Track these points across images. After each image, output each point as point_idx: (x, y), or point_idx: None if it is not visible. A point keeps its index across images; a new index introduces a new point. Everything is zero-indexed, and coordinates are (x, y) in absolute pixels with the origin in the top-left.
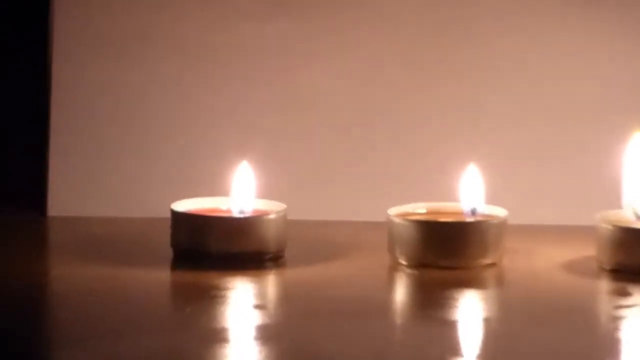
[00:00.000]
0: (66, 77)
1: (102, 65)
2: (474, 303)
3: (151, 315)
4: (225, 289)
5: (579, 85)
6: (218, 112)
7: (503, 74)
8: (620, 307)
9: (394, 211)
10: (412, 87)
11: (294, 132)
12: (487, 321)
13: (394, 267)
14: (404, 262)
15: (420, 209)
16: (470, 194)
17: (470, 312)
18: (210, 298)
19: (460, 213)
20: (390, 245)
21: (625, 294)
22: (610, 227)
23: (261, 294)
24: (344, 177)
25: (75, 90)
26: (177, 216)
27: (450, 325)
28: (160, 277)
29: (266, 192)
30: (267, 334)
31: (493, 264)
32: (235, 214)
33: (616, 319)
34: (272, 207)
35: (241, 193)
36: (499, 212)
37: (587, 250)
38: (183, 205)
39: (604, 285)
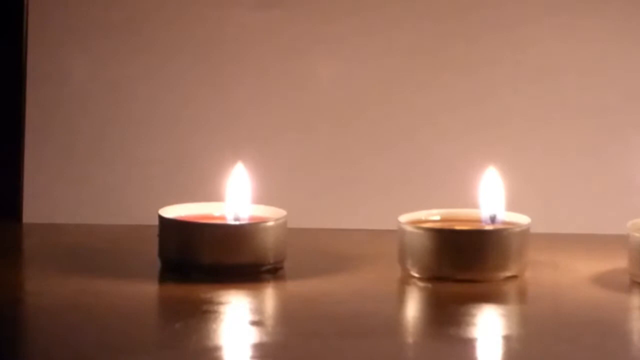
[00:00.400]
0: (42, 77)
1: (81, 63)
2: (494, 320)
3: (137, 333)
4: (219, 303)
5: (611, 81)
6: (210, 109)
7: (526, 70)
8: None
9: (405, 218)
10: (426, 82)
11: (295, 132)
12: (507, 340)
13: (405, 280)
14: (416, 275)
15: (434, 215)
16: (489, 200)
17: (489, 330)
18: (202, 314)
19: (479, 220)
20: (401, 256)
21: None
22: None
23: (258, 310)
24: (349, 180)
25: (52, 90)
26: (165, 223)
27: (468, 344)
28: (146, 290)
29: (264, 197)
30: (264, 354)
31: (514, 277)
32: (230, 220)
33: None
34: (270, 214)
35: (236, 198)
36: (521, 219)
37: (618, 262)
38: (172, 211)
39: (637, 300)
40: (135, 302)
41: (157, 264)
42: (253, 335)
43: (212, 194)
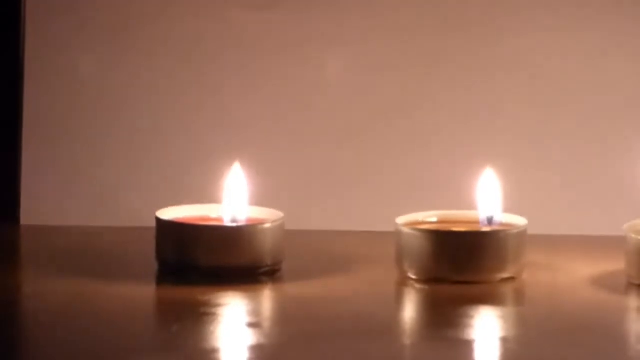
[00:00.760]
0: (39, 79)
1: (79, 66)
2: (491, 321)
3: (134, 335)
4: (216, 305)
5: (609, 84)
6: (207, 110)
7: (523, 73)
8: None
9: (402, 220)
10: (423, 85)
11: (292, 133)
12: (505, 341)
13: (402, 282)
14: (413, 277)
15: (431, 217)
16: (486, 201)
17: (486, 332)
18: (200, 316)
19: (476, 222)
20: (398, 258)
21: None
22: None
23: (256, 312)
24: (347, 182)
25: (50, 92)
26: (162, 225)
27: (465, 346)
28: (144, 292)
29: (261, 199)
30: (262, 356)
31: (512, 279)
32: (227, 222)
33: None
34: (267, 216)
35: (233, 200)
36: (518, 221)
37: (615, 264)
38: (169, 213)
39: (634, 301)
40: (133, 304)
41: (154, 266)
42: (250, 337)
43: (209, 196)
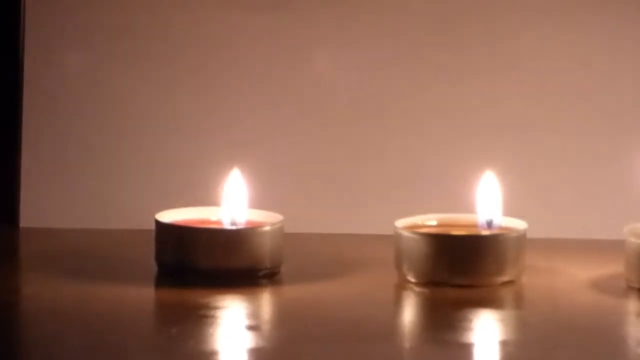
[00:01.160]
0: (39, 79)
1: (78, 68)
2: (490, 325)
3: (133, 337)
4: (215, 308)
5: (607, 87)
6: (206, 113)
7: (524, 74)
8: None
9: (401, 223)
10: (423, 86)
11: (291, 136)
12: (504, 345)
13: (401, 285)
14: (412, 280)
15: (430, 220)
16: (486, 205)
17: (486, 335)
18: (199, 318)
19: (475, 225)
20: (397, 261)
21: None
22: (639, 242)
23: (254, 314)
24: (346, 185)
25: (49, 95)
26: (162, 228)
27: (464, 350)
28: (143, 295)
29: (260, 202)
30: (261, 358)
31: (511, 282)
32: (227, 225)
33: None
34: (266, 219)
35: (233, 203)
36: (518, 224)
37: (614, 267)
38: (169, 216)
39: (633, 305)
40: (132, 307)
41: (153, 268)
42: (249, 340)
43: (208, 199)
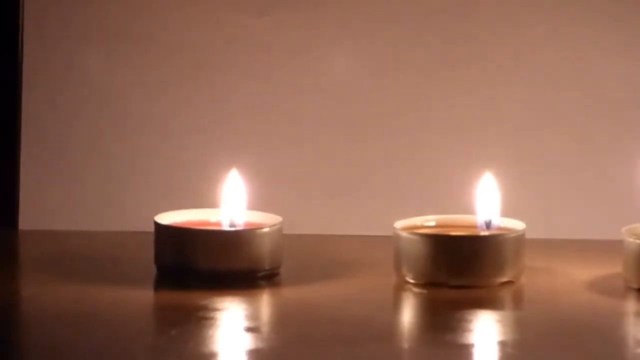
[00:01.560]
0: (37, 83)
1: (77, 68)
2: (489, 325)
3: (132, 339)
4: (215, 310)
5: (605, 88)
6: (205, 114)
7: (522, 77)
8: None
9: (400, 224)
10: (422, 89)
11: (290, 138)
12: (503, 345)
13: (400, 286)
14: (411, 281)
15: (429, 221)
16: (485, 205)
17: (485, 336)
18: (198, 320)
19: (474, 226)
20: (396, 262)
21: None
22: (638, 242)
23: (254, 316)
24: (345, 186)
25: (47, 95)
26: (161, 230)
27: (463, 350)
28: (142, 297)
29: (259, 203)
30: None
31: (510, 283)
32: (226, 227)
33: None
34: (266, 220)
35: (232, 204)
36: (516, 225)
37: (613, 267)
38: (168, 218)
39: (631, 305)
40: (131, 309)
41: (153, 270)
42: (249, 342)
43: (208, 201)
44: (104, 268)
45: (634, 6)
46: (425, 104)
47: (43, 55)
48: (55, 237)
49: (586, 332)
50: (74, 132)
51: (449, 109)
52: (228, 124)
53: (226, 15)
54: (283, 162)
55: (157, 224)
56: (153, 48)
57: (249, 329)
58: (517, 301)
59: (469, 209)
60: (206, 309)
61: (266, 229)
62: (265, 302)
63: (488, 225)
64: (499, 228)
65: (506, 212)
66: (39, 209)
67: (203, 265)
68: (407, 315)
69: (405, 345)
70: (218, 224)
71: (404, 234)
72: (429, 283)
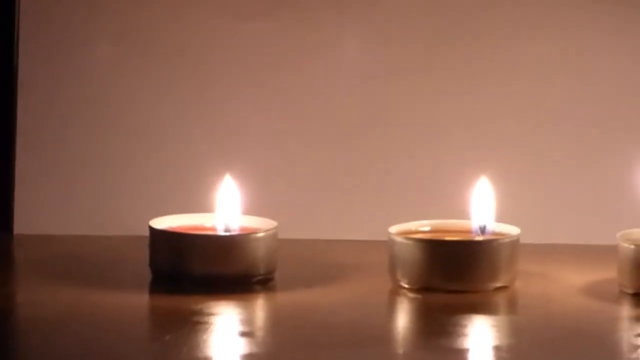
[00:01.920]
0: (33, 85)
1: (73, 71)
2: (484, 330)
3: (127, 344)
4: (209, 314)
5: (601, 93)
6: (200, 119)
7: (518, 81)
8: None
9: (395, 229)
10: (417, 92)
11: (285, 142)
12: (498, 350)
13: (395, 291)
14: (406, 285)
15: (424, 226)
16: (479, 211)
17: (479, 340)
18: (193, 325)
19: (469, 231)
20: (391, 267)
21: None
22: (633, 247)
23: (249, 321)
24: (340, 191)
25: (43, 100)
26: (156, 234)
27: (458, 355)
28: (137, 301)
29: (254, 208)
30: None
31: (505, 288)
32: (221, 231)
33: (639, 349)
34: (261, 225)
35: (227, 209)
36: (511, 230)
37: (608, 272)
38: (163, 223)
39: (626, 310)
40: (126, 313)
41: (147, 274)
42: (243, 346)
43: (202, 205)
44: (98, 272)
45: (631, 9)
46: (420, 108)
47: (39, 58)
48: (50, 242)
49: (580, 337)
50: (70, 136)
51: (444, 113)
52: (223, 129)
53: (220, 20)
54: (278, 166)
55: (152, 229)
56: (150, 52)
57: (244, 334)
58: (512, 306)
59: (464, 214)
60: (201, 313)
61: (261, 234)
62: (260, 306)
63: (483, 230)
64: (494, 233)
65: (501, 217)
66: (34, 213)
67: (198, 269)
68: (402, 320)
69: (400, 350)
70: (213, 228)
71: (399, 238)
72: (424, 288)
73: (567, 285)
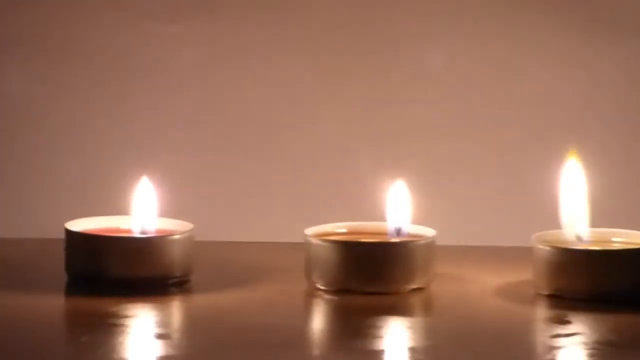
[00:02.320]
0: None
1: None
2: (400, 332)
3: (42, 346)
4: (126, 316)
5: (516, 98)
6: (116, 122)
7: (434, 83)
8: (559, 336)
9: (311, 231)
10: (333, 95)
11: (201, 145)
12: (413, 351)
13: (311, 293)
14: (322, 287)
15: (340, 228)
16: (395, 213)
17: (395, 342)
18: (109, 327)
19: (385, 233)
20: (307, 269)
21: (563, 321)
22: (548, 249)
23: (165, 323)
24: (257, 193)
25: None
26: (72, 236)
27: (374, 357)
28: (53, 304)
29: (171, 211)
30: None
31: (421, 289)
32: (137, 234)
33: (554, 350)
34: (177, 227)
35: (143, 211)
36: (427, 232)
37: (523, 274)
38: (79, 225)
39: (541, 312)
40: (42, 316)
41: (64, 277)
42: (159, 348)
43: (119, 208)
44: (14, 275)
45: (546, 14)
46: (336, 111)
47: None
48: None
49: (496, 338)
50: None
51: (360, 115)
52: (139, 132)
53: (138, 24)
54: (194, 169)
55: (68, 231)
56: (67, 57)
57: (160, 336)
58: (428, 308)
59: (380, 216)
60: (117, 315)
61: (177, 236)
62: (176, 308)
63: (399, 232)
64: (410, 235)
65: (417, 219)
66: None
67: (114, 272)
68: (318, 321)
69: (316, 351)
70: (129, 231)
71: (315, 240)
72: (340, 290)
73: (483, 287)
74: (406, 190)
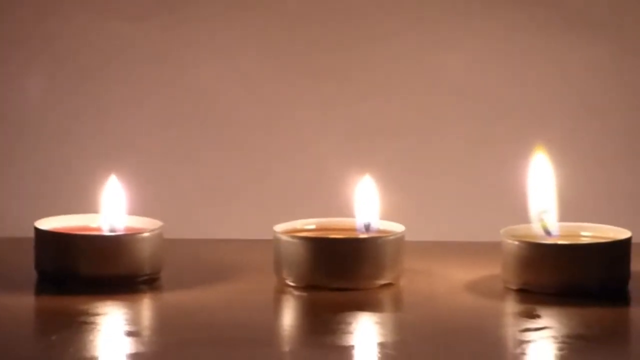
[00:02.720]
0: None
1: None
2: (369, 327)
3: (12, 344)
4: (95, 314)
5: (483, 93)
6: (85, 120)
7: (401, 80)
8: (528, 330)
9: (280, 227)
10: (300, 93)
11: (170, 143)
12: (383, 347)
13: (281, 289)
14: (291, 284)
15: (309, 225)
16: (364, 208)
17: (365, 337)
18: (79, 325)
19: (353, 229)
20: (276, 265)
21: (532, 315)
22: (516, 243)
23: (134, 320)
24: (225, 191)
25: None
26: (41, 235)
27: (343, 352)
28: (22, 302)
29: (140, 208)
30: None
31: (389, 285)
32: (106, 232)
33: (523, 344)
34: (146, 225)
35: (112, 209)
36: (396, 227)
37: (491, 269)
38: (48, 223)
39: (510, 306)
40: (11, 314)
41: (33, 276)
42: (129, 346)
43: (88, 206)
44: None
45: (514, 11)
46: (304, 108)
47: None
48: None
49: (465, 332)
50: None
51: (327, 112)
52: (107, 129)
53: (108, 24)
54: (163, 167)
55: (37, 230)
56: (34, 56)
57: (130, 333)
58: (397, 303)
59: (348, 212)
60: (87, 313)
61: (146, 234)
62: (145, 306)
63: (367, 227)
64: (378, 230)
65: (385, 215)
66: None
67: (84, 270)
68: (288, 318)
69: (286, 348)
70: (98, 229)
71: (284, 237)
72: (309, 286)
73: (452, 282)
74: (374, 186)
